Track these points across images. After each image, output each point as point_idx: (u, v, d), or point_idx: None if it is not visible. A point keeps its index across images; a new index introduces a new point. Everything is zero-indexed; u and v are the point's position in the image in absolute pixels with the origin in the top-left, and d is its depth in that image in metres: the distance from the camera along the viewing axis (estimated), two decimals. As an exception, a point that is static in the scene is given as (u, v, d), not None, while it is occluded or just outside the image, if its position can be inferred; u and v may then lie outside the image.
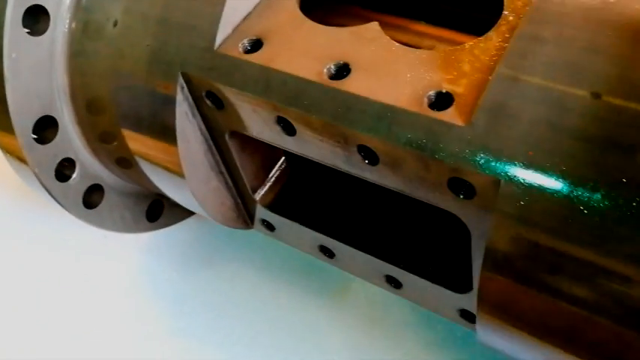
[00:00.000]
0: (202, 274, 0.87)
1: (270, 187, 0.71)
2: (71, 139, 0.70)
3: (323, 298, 0.82)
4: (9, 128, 0.66)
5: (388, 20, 0.66)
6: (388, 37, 0.53)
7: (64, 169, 0.71)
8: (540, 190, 0.43)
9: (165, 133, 0.62)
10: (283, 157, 0.72)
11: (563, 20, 0.46)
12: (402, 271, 0.62)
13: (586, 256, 0.43)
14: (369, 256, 0.64)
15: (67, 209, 0.73)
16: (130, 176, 0.75)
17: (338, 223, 0.68)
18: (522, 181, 0.43)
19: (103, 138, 0.71)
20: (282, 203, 0.70)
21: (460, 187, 0.47)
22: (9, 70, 0.62)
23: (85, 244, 0.88)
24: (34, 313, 0.87)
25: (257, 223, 0.74)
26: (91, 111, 0.68)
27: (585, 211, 0.42)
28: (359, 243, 0.65)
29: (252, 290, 0.84)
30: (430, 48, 0.64)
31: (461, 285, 0.59)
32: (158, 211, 0.85)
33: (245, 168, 0.67)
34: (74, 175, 0.71)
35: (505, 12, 0.51)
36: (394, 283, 0.65)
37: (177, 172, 0.65)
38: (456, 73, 0.49)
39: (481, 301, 0.50)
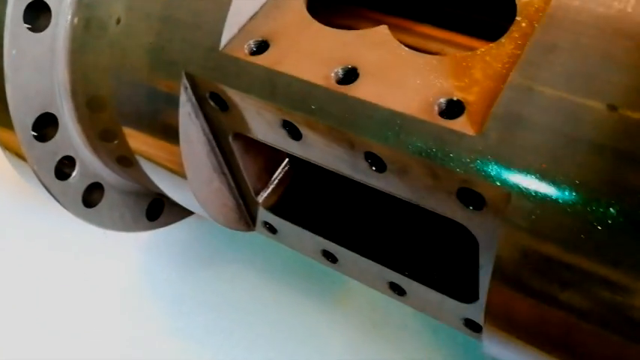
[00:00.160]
0: (202, 275, 0.86)
1: (273, 189, 0.70)
2: (71, 136, 0.69)
3: (324, 301, 0.81)
4: (8, 125, 0.64)
5: (394, 22, 0.65)
6: (397, 42, 0.52)
7: (64, 167, 0.70)
8: (553, 203, 0.42)
9: (168, 133, 0.61)
10: (287, 159, 0.71)
11: (579, 29, 0.44)
12: (406, 278, 0.62)
13: (598, 272, 0.42)
14: (372, 262, 0.63)
15: (66, 208, 0.71)
16: (131, 175, 0.74)
17: (341, 228, 0.67)
18: (534, 193, 0.42)
19: (103, 136, 0.69)
20: (285, 206, 0.69)
21: (469, 197, 0.46)
22: (9, 67, 0.61)
23: (85, 242, 0.87)
24: (33, 311, 0.86)
25: (259, 225, 0.73)
26: (91, 108, 0.67)
27: (599, 227, 0.41)
28: (362, 248, 0.64)
29: (253, 292, 0.83)
30: (437, 51, 0.63)
31: (466, 295, 0.58)
32: (158, 209, 0.84)
33: (248, 170, 0.66)
34: (74, 174, 0.70)
35: (518, 18, 0.50)
36: (398, 290, 0.64)
37: (179, 173, 0.64)
38: (467, 81, 0.47)
39: (489, 313, 0.49)
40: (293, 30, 0.55)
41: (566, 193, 0.41)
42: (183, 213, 0.87)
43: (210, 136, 0.63)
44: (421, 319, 0.75)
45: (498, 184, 0.44)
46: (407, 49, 0.51)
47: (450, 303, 0.59)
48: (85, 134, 0.70)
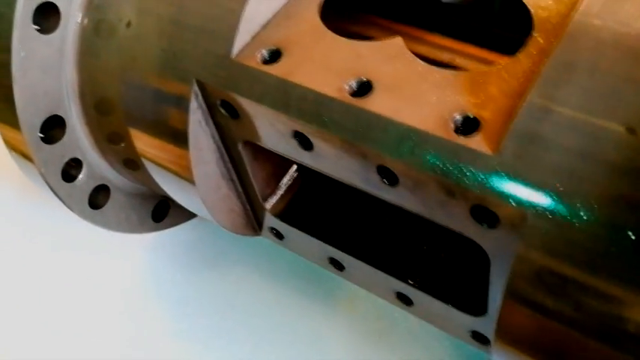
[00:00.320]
0: (206, 276, 0.86)
1: (282, 195, 0.69)
2: (79, 138, 0.68)
3: (329, 306, 0.81)
4: (16, 126, 0.64)
5: (405, 30, 0.64)
6: (412, 55, 0.51)
7: (71, 169, 0.69)
8: (569, 224, 0.41)
9: (177, 139, 0.61)
10: (295, 166, 0.70)
11: (599, 49, 0.44)
12: (413, 289, 0.61)
13: (614, 293, 0.41)
14: (379, 271, 0.63)
15: (72, 209, 0.71)
16: (137, 177, 0.74)
17: (349, 236, 0.66)
18: (550, 214, 0.42)
19: (111, 138, 0.69)
20: (293, 213, 0.69)
21: (483, 215, 0.46)
22: (17, 69, 0.60)
23: (89, 241, 0.87)
24: (35, 310, 0.86)
25: (265, 230, 0.72)
26: (99, 111, 0.67)
27: (615, 249, 0.40)
28: (370, 257, 0.64)
29: (257, 294, 0.83)
30: (448, 61, 0.63)
31: (475, 307, 0.58)
32: (164, 211, 0.83)
33: (256, 176, 0.66)
34: (81, 176, 0.70)
35: (535, 33, 0.50)
36: (405, 300, 0.64)
37: (188, 179, 0.63)
38: (483, 97, 0.47)
39: (500, 330, 0.49)
40: (306, 39, 0.54)
41: (583, 215, 0.41)
42: (188, 214, 0.87)
43: (220, 143, 0.62)
44: (427, 329, 0.75)
45: (514, 203, 0.43)
46: (422, 62, 0.50)
47: (457, 315, 0.59)
48: (92, 136, 0.69)
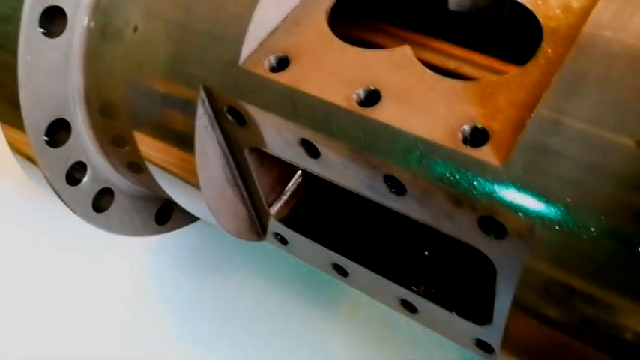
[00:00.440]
0: (209, 279, 0.86)
1: (286, 201, 0.69)
2: (83, 142, 0.68)
3: (332, 312, 0.81)
4: (21, 129, 0.64)
5: (412, 37, 0.64)
6: (421, 64, 0.51)
7: (75, 173, 0.69)
8: (577, 236, 0.41)
9: (183, 144, 0.60)
10: (300, 171, 0.70)
11: (609, 62, 0.44)
12: (418, 296, 0.61)
13: (622, 306, 0.41)
14: (384, 278, 0.63)
15: (76, 213, 0.71)
16: (141, 181, 0.74)
17: (354, 242, 0.66)
18: (558, 226, 0.42)
19: (116, 142, 0.69)
20: (297, 218, 0.69)
21: (491, 226, 0.46)
22: (23, 73, 0.60)
23: (92, 242, 0.86)
24: (37, 310, 0.86)
25: (269, 235, 0.72)
26: (105, 115, 0.67)
27: (623, 261, 0.40)
28: (374, 264, 0.64)
29: (260, 299, 0.83)
30: (454, 69, 0.62)
31: (480, 316, 0.58)
32: (167, 214, 0.83)
33: (262, 182, 0.66)
34: (85, 179, 0.70)
35: (544, 44, 0.50)
36: (409, 307, 0.64)
37: (193, 184, 0.63)
38: (491, 108, 0.47)
39: (507, 341, 0.49)
40: (314, 47, 0.54)
41: (591, 227, 0.41)
42: (191, 218, 0.87)
43: (226, 149, 0.62)
44: (431, 336, 0.74)
45: (522, 215, 0.43)
46: (430, 72, 0.50)
47: (462, 323, 0.59)
48: (97, 140, 0.69)
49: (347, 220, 0.69)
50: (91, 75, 0.65)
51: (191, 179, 0.63)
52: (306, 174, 0.70)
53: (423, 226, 0.53)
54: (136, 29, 0.60)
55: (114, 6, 0.62)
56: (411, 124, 0.48)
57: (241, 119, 0.57)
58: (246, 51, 0.55)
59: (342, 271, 0.67)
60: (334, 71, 0.52)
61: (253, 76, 0.54)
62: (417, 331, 0.74)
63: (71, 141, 0.67)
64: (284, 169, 0.68)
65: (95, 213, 0.72)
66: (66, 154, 0.67)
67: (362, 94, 0.50)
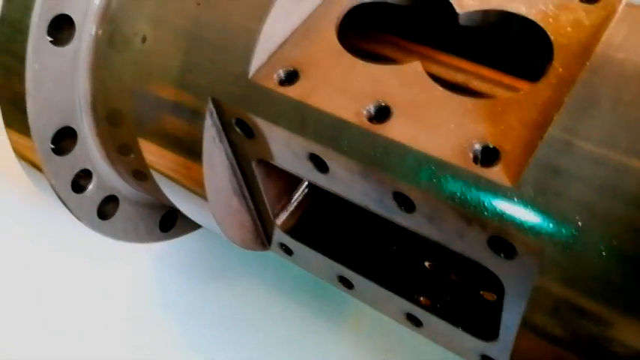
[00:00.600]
0: (212, 287, 0.86)
1: (292, 212, 0.69)
2: (89, 150, 0.68)
3: (335, 322, 0.80)
4: (27, 137, 0.64)
5: (422, 50, 0.64)
6: (431, 80, 0.51)
7: (81, 180, 0.69)
8: (588, 259, 0.41)
9: (190, 155, 0.60)
10: (306, 182, 0.70)
11: (622, 84, 0.44)
12: (423, 310, 0.61)
13: (632, 328, 0.41)
14: (389, 292, 0.63)
15: (80, 220, 0.71)
16: (145, 188, 0.74)
17: (359, 254, 0.66)
18: (569, 248, 0.42)
19: (121, 150, 0.69)
20: (303, 229, 0.68)
21: (501, 246, 0.46)
22: (31, 81, 0.60)
23: (95, 247, 0.86)
24: (39, 315, 0.86)
25: (274, 245, 0.72)
26: (111, 123, 0.66)
27: (634, 284, 0.40)
28: (380, 277, 0.64)
29: (263, 308, 0.83)
30: (463, 82, 0.62)
31: (486, 332, 0.58)
32: (171, 221, 0.83)
33: (268, 193, 0.66)
34: (90, 187, 0.70)
35: (555, 63, 0.49)
36: (414, 321, 0.64)
37: (199, 194, 0.63)
38: (502, 127, 0.47)
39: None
40: (324, 61, 0.54)
41: (602, 249, 0.41)
42: (195, 224, 0.86)
43: (233, 160, 0.62)
44: (435, 348, 0.74)
45: (532, 236, 0.43)
46: (441, 88, 0.50)
47: (467, 338, 0.59)
48: (103, 148, 0.69)
49: (353, 232, 0.68)
50: (98, 83, 0.64)
51: (198, 190, 0.63)
52: (312, 185, 0.70)
53: (430, 241, 0.53)
54: (144, 39, 0.60)
55: (122, 15, 0.62)
56: (421, 142, 0.47)
57: (249, 132, 0.56)
58: (255, 63, 0.54)
59: (347, 284, 0.67)
60: (344, 86, 0.52)
61: (262, 90, 0.54)
62: (420, 342, 0.74)
63: (77, 148, 0.66)
64: (290, 180, 0.68)
65: (100, 220, 0.72)
66: (72, 162, 0.67)
67: (372, 109, 0.50)
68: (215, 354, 0.80)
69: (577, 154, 0.42)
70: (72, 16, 0.60)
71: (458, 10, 0.56)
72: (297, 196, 0.69)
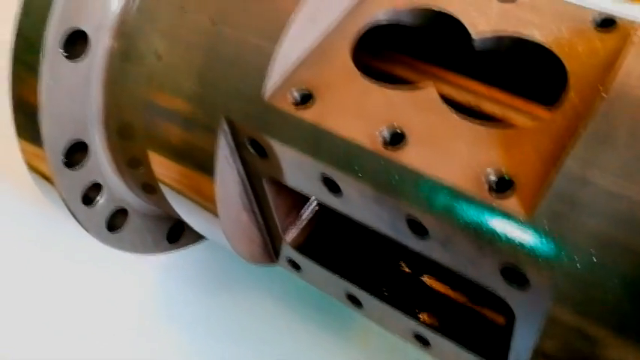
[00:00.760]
0: (218, 299, 0.86)
1: (301, 227, 0.69)
2: (100, 163, 0.68)
3: (342, 337, 0.80)
4: (39, 149, 0.64)
5: (434, 71, 0.64)
6: (446, 105, 0.51)
7: (91, 193, 0.69)
8: (601, 290, 0.41)
9: (202, 172, 0.61)
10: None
11: (639, 116, 0.44)
12: (431, 331, 0.61)
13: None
14: (398, 312, 0.63)
15: (89, 232, 0.71)
16: (154, 201, 0.74)
17: (368, 272, 0.66)
18: (582, 280, 0.42)
19: (132, 164, 0.69)
20: (312, 245, 0.69)
21: (514, 275, 0.46)
22: (44, 96, 0.60)
23: (101, 256, 0.85)
24: (45, 324, 0.86)
25: (282, 260, 0.72)
26: (123, 138, 0.67)
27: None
28: (389, 296, 0.64)
29: (270, 320, 0.83)
30: (476, 105, 0.62)
31: (494, 355, 0.58)
32: (179, 232, 0.83)
33: (278, 209, 0.66)
34: (100, 200, 0.70)
35: (570, 90, 0.50)
36: (422, 341, 0.64)
37: (210, 210, 0.63)
38: (517, 156, 0.47)
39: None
40: (338, 83, 0.54)
41: (616, 282, 0.41)
42: (202, 236, 0.86)
43: (245, 177, 0.62)
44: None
45: (546, 267, 0.43)
46: (455, 114, 0.50)
47: (475, 361, 0.59)
48: (113, 161, 0.69)
49: (362, 250, 0.69)
50: (110, 98, 0.65)
51: (208, 205, 0.63)
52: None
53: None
54: (158, 55, 0.60)
55: (137, 30, 0.62)
56: (435, 169, 0.48)
57: (262, 151, 0.57)
58: (270, 84, 0.55)
59: (355, 301, 0.67)
60: (358, 109, 0.52)
61: (277, 111, 0.54)
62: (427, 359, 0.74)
63: (88, 162, 0.67)
64: (301, 196, 0.67)
65: (109, 233, 0.72)
66: (82, 175, 0.67)
67: (386, 134, 0.50)
68: (220, 366, 0.80)
69: (592, 187, 0.43)
70: (87, 32, 0.61)
71: (472, 33, 0.56)
72: (307, 212, 0.70)
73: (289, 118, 0.53)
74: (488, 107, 0.61)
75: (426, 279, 0.67)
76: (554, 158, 0.46)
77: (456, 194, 0.46)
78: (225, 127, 0.57)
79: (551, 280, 0.43)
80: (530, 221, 0.44)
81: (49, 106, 0.61)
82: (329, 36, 0.58)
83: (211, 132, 0.57)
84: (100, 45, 0.62)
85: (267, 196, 0.64)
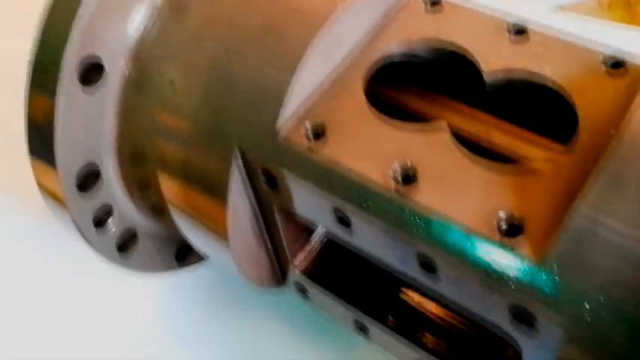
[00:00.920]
0: (224, 318, 0.86)
1: (310, 252, 0.70)
2: (112, 187, 0.69)
3: (348, 359, 0.81)
4: (52, 172, 0.64)
5: (445, 103, 0.65)
6: (457, 143, 0.52)
7: (102, 216, 0.70)
8: (610, 337, 0.42)
9: (214, 199, 0.61)
10: (326, 226, 0.71)
11: (650, 164, 0.45)
12: (438, 360, 0.62)
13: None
14: (406, 340, 0.63)
15: (99, 254, 0.72)
16: (164, 223, 0.74)
17: (376, 300, 0.67)
18: (591, 327, 0.43)
19: (143, 188, 0.69)
20: (320, 271, 0.69)
21: (522, 318, 0.46)
22: (59, 126, 0.61)
23: (107, 269, 0.86)
24: (48, 343, 0.86)
25: (290, 283, 0.73)
26: (135, 163, 0.67)
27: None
28: (397, 325, 0.65)
29: (275, 341, 0.83)
30: (486, 136, 0.63)
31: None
32: (187, 251, 0.84)
33: (287, 235, 0.66)
34: (111, 223, 0.70)
35: (580, 133, 0.50)
36: (429, 370, 0.64)
37: (220, 236, 0.64)
38: (528, 198, 0.48)
39: None
40: (351, 119, 0.55)
41: (625, 330, 0.42)
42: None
43: (256, 205, 0.63)
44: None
45: (555, 311, 0.44)
46: (467, 152, 0.51)
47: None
48: (125, 185, 0.70)
49: (371, 276, 0.69)
50: (124, 124, 0.65)
51: (219, 231, 0.64)
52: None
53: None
54: (172, 84, 0.61)
55: (152, 59, 0.63)
56: (447, 208, 0.48)
57: (274, 183, 0.57)
58: (283, 117, 0.55)
59: (363, 329, 0.68)
60: (371, 146, 0.53)
61: (290, 145, 0.54)
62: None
63: (100, 185, 0.67)
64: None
65: (119, 254, 0.73)
66: (94, 199, 0.67)
67: (398, 172, 0.51)
68: (225, 386, 0.80)
69: (604, 233, 0.43)
70: (103, 60, 0.61)
71: (484, 70, 0.57)
72: (316, 237, 0.70)
73: (302, 152, 0.54)
74: (499, 140, 0.61)
75: (434, 308, 0.67)
76: (566, 201, 0.46)
77: (467, 235, 0.47)
78: (239, 157, 0.57)
79: (559, 323, 0.44)
80: (539, 264, 0.44)
81: (64, 134, 0.62)
82: (342, 69, 0.59)
83: (224, 162, 0.58)
84: (116, 72, 0.63)
85: (277, 223, 0.64)
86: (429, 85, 0.66)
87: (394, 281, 0.69)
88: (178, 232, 0.73)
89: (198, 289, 0.89)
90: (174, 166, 0.63)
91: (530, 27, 0.59)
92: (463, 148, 0.51)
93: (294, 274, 0.70)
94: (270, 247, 0.69)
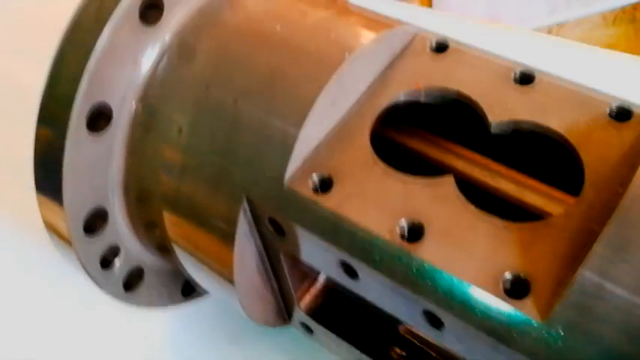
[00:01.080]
0: (228, 352, 0.86)
1: (316, 294, 0.70)
2: (119, 227, 0.69)
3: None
4: (59, 208, 0.65)
5: (452, 148, 0.65)
6: (464, 199, 0.52)
7: (109, 256, 0.70)
8: (614, 402, 0.42)
9: (221, 244, 0.62)
10: (331, 266, 0.71)
11: (655, 228, 0.45)
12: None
13: None
14: (411, 384, 0.64)
15: (106, 292, 0.72)
16: (170, 261, 0.75)
17: (382, 341, 0.67)
18: (596, 389, 0.43)
19: (149, 228, 0.70)
20: (326, 311, 0.70)
21: (528, 377, 0.47)
22: (67, 170, 0.61)
23: (110, 301, 0.87)
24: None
25: (295, 322, 0.73)
26: (142, 204, 0.68)
27: None
28: (401, 366, 0.65)
29: (279, 375, 0.83)
30: (493, 184, 0.63)
31: None
32: (193, 285, 0.84)
33: (293, 276, 0.67)
34: (118, 262, 0.71)
35: (586, 187, 0.51)
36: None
37: (226, 278, 0.64)
38: (534, 256, 0.48)
39: None
40: (357, 169, 0.55)
41: (628, 395, 0.42)
42: (215, 288, 0.87)
43: (262, 250, 0.63)
44: None
45: (560, 373, 0.44)
46: (474, 208, 0.51)
47: None
48: (132, 226, 0.70)
49: (377, 319, 0.69)
50: (132, 166, 0.66)
51: (224, 274, 0.64)
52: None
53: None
54: (180, 131, 0.61)
55: (160, 100, 0.63)
56: (453, 266, 0.49)
57: (281, 231, 0.58)
58: (291, 168, 0.56)
59: (367, 368, 0.68)
60: (377, 198, 0.53)
61: (297, 196, 0.55)
62: None
63: (108, 227, 0.68)
64: (315, 265, 0.69)
65: (125, 292, 0.73)
66: (101, 240, 0.68)
67: (405, 227, 0.51)
68: (230, 421, 0.81)
69: (609, 299, 0.43)
70: (112, 105, 0.62)
71: (489, 118, 0.57)
72: (322, 278, 0.70)
73: (309, 204, 0.54)
74: (506, 187, 0.62)
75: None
76: (572, 258, 0.47)
77: (472, 292, 0.47)
78: (246, 205, 0.58)
79: (565, 386, 0.44)
80: (544, 325, 0.45)
81: (71, 176, 0.62)
82: (349, 118, 0.59)
83: (232, 207, 0.58)
84: (123, 116, 0.63)
85: (284, 266, 0.65)
86: (434, 128, 0.67)
87: (401, 324, 0.69)
88: (183, 270, 0.74)
89: (201, 321, 0.89)
90: (181, 209, 0.63)
91: (537, 74, 0.59)
92: (470, 205, 0.51)
93: (300, 314, 0.70)
94: (276, 288, 0.69)
